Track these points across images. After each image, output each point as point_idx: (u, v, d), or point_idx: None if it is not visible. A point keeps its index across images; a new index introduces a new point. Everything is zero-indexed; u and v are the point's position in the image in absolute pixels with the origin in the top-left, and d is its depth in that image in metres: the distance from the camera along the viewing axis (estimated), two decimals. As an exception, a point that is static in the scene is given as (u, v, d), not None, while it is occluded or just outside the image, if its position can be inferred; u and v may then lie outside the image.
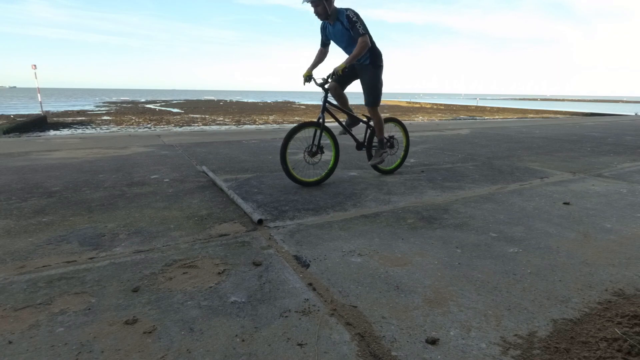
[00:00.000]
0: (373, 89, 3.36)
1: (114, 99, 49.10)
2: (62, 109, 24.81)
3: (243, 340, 1.25)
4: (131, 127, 14.09)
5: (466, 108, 32.57)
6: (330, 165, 3.39)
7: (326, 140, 3.38)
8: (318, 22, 3.32)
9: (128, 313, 1.39)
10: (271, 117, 18.21)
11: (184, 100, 49.84)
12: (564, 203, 2.79)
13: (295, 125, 3.19)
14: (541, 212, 2.58)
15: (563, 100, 78.98)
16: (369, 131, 3.60)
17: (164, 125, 14.75)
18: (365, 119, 3.57)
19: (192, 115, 19.76)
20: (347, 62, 3.08)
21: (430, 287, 1.59)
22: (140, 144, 5.89)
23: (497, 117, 21.09)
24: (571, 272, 1.73)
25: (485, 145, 5.91)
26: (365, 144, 3.62)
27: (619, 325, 1.31)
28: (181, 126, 14.21)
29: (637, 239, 2.12)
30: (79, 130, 12.60)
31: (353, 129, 3.60)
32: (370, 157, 3.65)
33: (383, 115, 3.57)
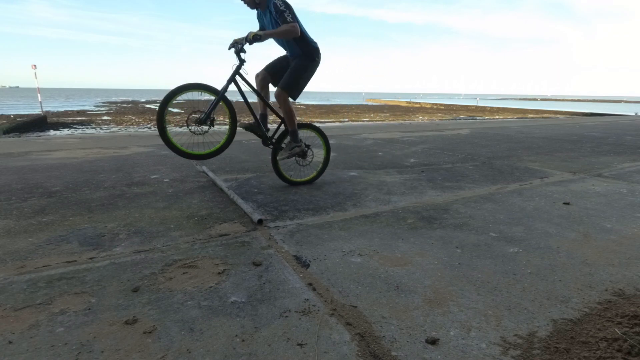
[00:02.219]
0: (293, 74, 2.99)
1: (114, 99, 49.08)
2: (62, 109, 24.82)
3: (243, 340, 1.25)
4: (131, 127, 14.09)
5: (466, 108, 32.58)
6: (225, 138, 2.93)
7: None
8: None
9: (128, 313, 1.39)
10: (271, 117, 18.20)
11: (184, 100, 49.79)
12: (564, 203, 2.79)
13: (193, 83, 2.75)
14: (541, 212, 2.58)
15: (563, 100, 78.98)
16: (282, 127, 3.22)
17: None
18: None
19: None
20: (264, 33, 2.78)
21: (430, 287, 1.59)
22: (140, 144, 5.89)
23: (497, 117, 21.09)
24: (571, 272, 1.73)
25: (485, 145, 5.92)
26: (275, 139, 3.20)
27: (619, 325, 1.31)
28: (181, 126, 14.18)
29: (637, 239, 2.12)
30: (79, 130, 12.60)
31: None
32: (275, 155, 3.20)
33: (298, 119, 3.22)
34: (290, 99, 3.08)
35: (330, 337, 1.27)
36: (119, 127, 13.99)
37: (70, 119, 16.78)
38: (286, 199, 2.88)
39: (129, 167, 4.03)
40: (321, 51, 3.13)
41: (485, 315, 1.39)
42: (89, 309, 1.42)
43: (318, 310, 1.42)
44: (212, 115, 2.82)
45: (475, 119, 17.88)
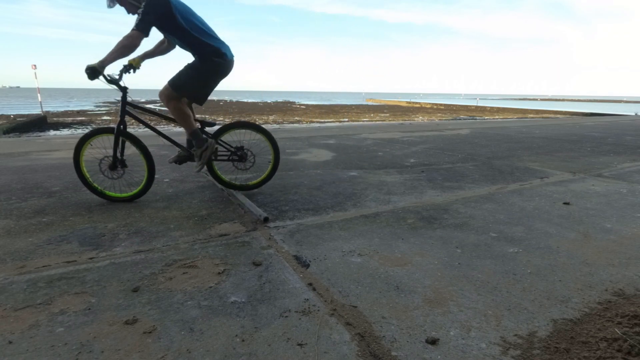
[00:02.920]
0: (182, 72, 2.65)
1: (113, 99, 49.07)
2: (62, 109, 24.81)
3: (243, 340, 1.25)
4: (131, 127, 14.10)
5: (466, 108, 32.57)
6: (144, 181, 2.86)
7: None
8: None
9: (128, 313, 1.39)
10: (271, 117, 18.21)
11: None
12: (564, 203, 2.79)
13: (88, 131, 2.71)
14: (541, 212, 2.58)
15: (563, 100, 78.96)
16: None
17: (164, 125, 14.76)
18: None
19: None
20: (101, 61, 2.29)
21: (430, 287, 1.59)
22: (140, 144, 5.89)
23: (497, 117, 21.09)
24: (571, 272, 1.73)
25: (485, 145, 5.92)
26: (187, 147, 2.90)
27: (619, 325, 1.31)
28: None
29: (637, 239, 2.12)
30: (79, 130, 12.60)
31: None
32: (211, 168, 2.96)
33: (231, 120, 2.89)
34: (196, 104, 2.84)
35: (330, 337, 1.27)
36: (119, 127, 13.98)
37: (70, 119, 16.78)
38: (286, 199, 2.89)
39: (129, 167, 4.02)
40: (231, 53, 2.74)
41: (485, 315, 1.39)
42: (89, 309, 1.42)
43: (318, 310, 1.42)
44: (118, 157, 2.78)
45: (475, 119, 17.89)
